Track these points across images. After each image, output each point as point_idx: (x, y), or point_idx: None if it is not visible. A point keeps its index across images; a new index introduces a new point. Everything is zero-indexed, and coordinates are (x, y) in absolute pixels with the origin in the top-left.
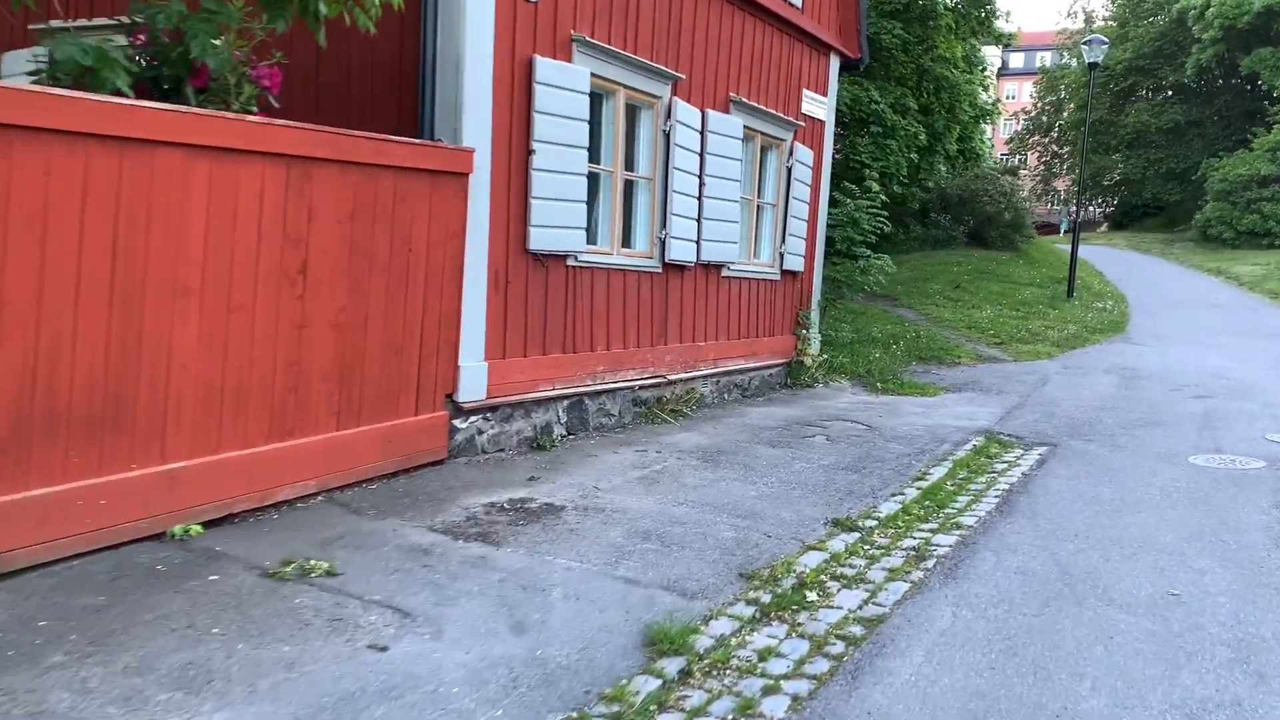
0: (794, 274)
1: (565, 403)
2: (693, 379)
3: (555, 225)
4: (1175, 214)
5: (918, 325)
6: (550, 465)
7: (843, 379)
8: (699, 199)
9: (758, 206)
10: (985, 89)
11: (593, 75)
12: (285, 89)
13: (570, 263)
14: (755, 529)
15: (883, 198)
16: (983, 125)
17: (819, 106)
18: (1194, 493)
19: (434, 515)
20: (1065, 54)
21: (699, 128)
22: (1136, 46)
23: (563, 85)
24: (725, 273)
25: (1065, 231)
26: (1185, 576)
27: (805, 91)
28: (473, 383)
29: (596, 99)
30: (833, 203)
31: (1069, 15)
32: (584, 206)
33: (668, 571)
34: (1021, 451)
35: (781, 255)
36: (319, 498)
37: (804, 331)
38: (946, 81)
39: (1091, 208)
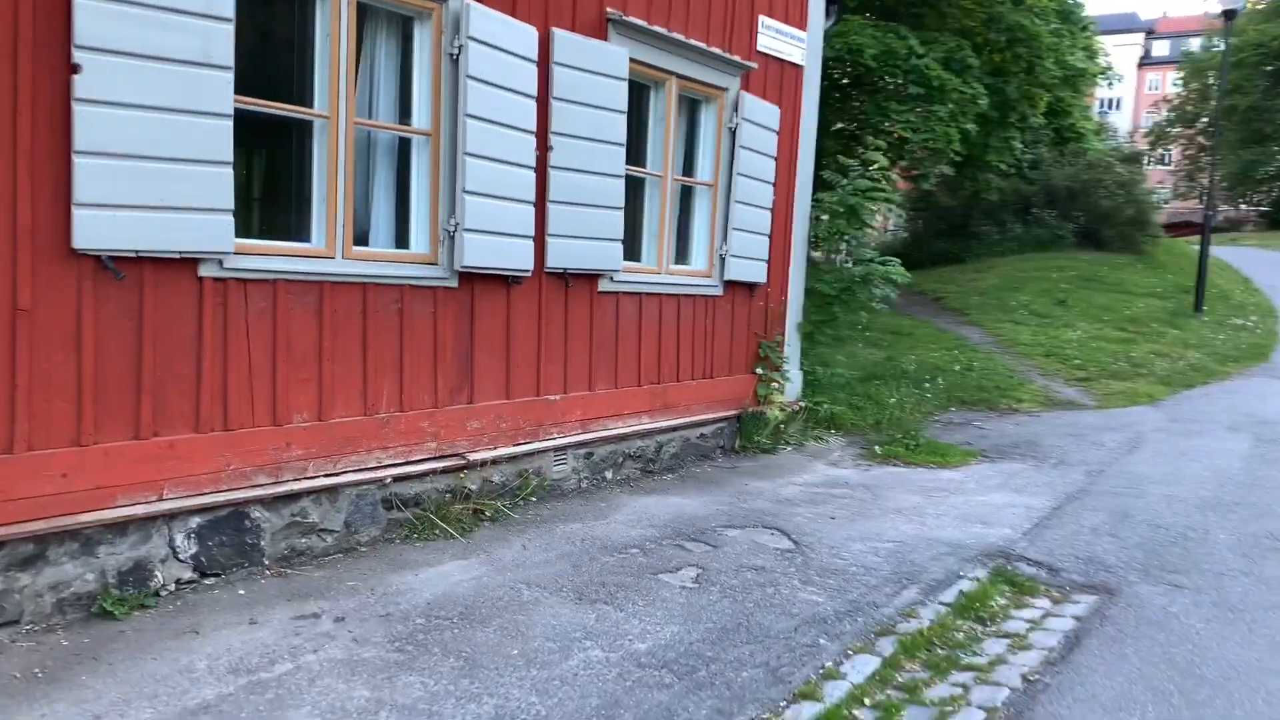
0: (749, 286)
1: (196, 520)
2: (532, 454)
3: (148, 205)
4: None
5: (977, 351)
6: (54, 671)
7: (833, 435)
8: (539, 170)
9: (682, 188)
10: (1092, 55)
11: None
12: None
13: (209, 272)
14: None
15: (887, 173)
16: (1083, 93)
17: (791, 44)
18: None
19: None
20: (1212, 38)
21: (535, 57)
22: None
23: None
24: (606, 285)
25: (1212, 230)
26: None
27: (763, 19)
28: None
29: None
30: (821, 184)
31: None
32: (228, 173)
33: None
34: (1044, 611)
35: (722, 259)
36: None
37: (769, 371)
38: (1024, 32)
39: (1244, 205)
